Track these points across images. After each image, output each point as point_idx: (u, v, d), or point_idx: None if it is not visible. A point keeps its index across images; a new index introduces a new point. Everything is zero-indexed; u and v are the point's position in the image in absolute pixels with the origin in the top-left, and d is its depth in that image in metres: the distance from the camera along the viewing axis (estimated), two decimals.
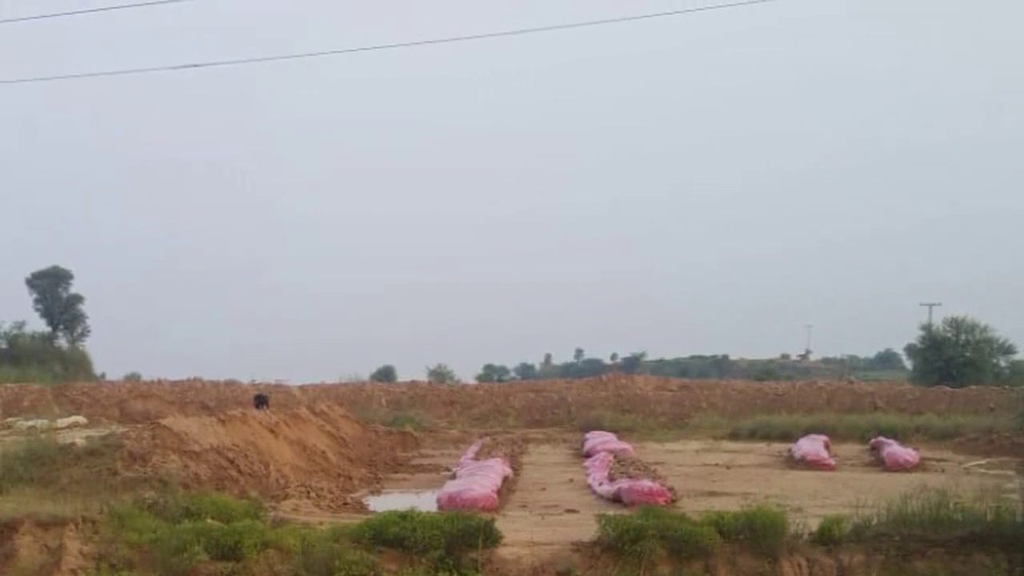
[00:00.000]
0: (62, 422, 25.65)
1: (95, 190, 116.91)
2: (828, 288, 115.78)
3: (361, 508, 15.56)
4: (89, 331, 64.79)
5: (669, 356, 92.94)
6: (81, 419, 28.77)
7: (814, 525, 11.17)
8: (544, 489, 18.19)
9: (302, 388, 39.63)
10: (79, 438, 17.17)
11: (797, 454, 23.05)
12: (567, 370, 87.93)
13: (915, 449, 23.76)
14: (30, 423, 24.14)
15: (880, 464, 22.44)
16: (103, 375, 54.70)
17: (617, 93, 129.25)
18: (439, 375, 54.75)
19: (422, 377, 51.26)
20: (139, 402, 35.03)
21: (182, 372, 43.47)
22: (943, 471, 20.62)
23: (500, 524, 11.21)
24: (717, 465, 22.13)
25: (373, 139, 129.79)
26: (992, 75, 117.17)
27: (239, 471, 16.23)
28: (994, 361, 48.31)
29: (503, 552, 10.68)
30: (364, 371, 50.45)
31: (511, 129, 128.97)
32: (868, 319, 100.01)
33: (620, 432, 29.16)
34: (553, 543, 11.04)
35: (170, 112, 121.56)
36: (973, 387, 38.86)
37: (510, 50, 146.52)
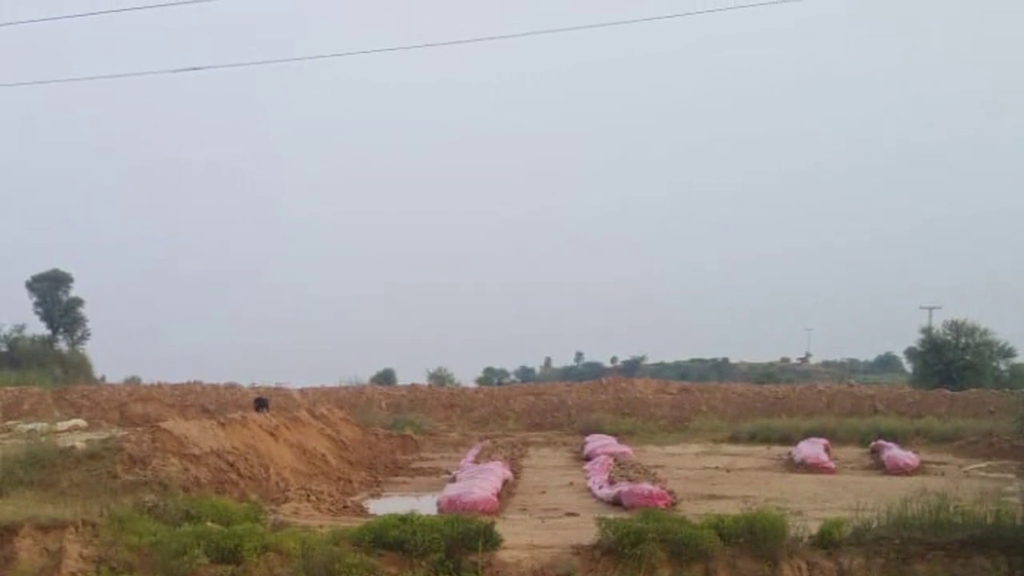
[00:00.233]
0: (62, 425, 25.70)
1: (95, 191, 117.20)
2: (828, 291, 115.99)
3: (361, 511, 15.56)
4: (89, 334, 64.98)
5: (669, 359, 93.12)
6: (81, 422, 28.81)
7: (814, 528, 11.17)
8: (544, 492, 18.19)
9: (302, 391, 39.64)
10: (79, 441, 17.18)
11: (797, 457, 23.04)
12: (567, 373, 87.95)
13: (915, 452, 23.77)
14: (30, 426, 24.18)
15: (880, 467, 22.44)
16: (103, 378, 54.78)
17: (621, 94, 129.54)
18: (439, 378, 54.78)
19: (422, 380, 51.31)
20: (139, 405, 35.04)
21: (182, 375, 43.67)
22: (943, 474, 20.62)
23: (500, 527, 11.20)
24: (717, 468, 22.12)
25: (376, 140, 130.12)
26: (992, 75, 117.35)
27: (239, 474, 16.24)
28: (994, 364, 48.28)
29: (503, 555, 10.68)
30: (364, 374, 50.60)
31: (521, 130, 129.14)
32: (868, 322, 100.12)
33: (620, 435, 29.15)
34: (553, 546, 11.04)
35: (170, 113, 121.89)
36: (973, 390, 38.85)
37: (518, 52, 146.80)
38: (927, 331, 49.81)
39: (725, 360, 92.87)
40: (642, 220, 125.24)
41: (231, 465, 16.36)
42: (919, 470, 21.40)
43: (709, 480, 19.74)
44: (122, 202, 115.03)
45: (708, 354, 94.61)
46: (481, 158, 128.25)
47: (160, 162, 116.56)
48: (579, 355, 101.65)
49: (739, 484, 18.97)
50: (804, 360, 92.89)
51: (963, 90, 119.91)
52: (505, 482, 18.31)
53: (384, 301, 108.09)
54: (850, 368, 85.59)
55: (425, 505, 15.03)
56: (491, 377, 74.69)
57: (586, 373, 79.89)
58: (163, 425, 16.76)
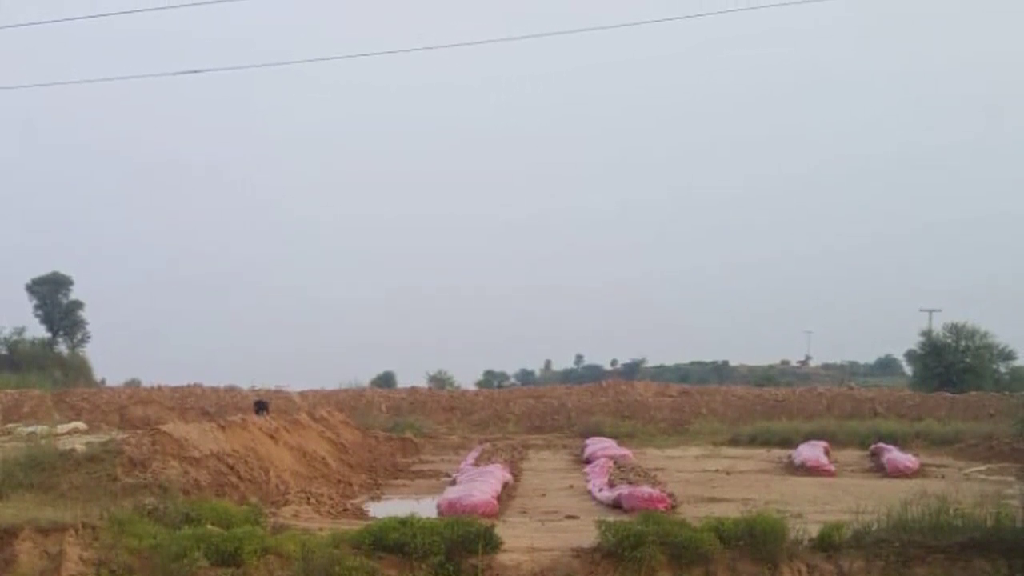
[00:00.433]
0: (62, 428, 25.70)
1: (95, 194, 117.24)
2: (828, 293, 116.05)
3: (361, 514, 15.56)
4: (89, 337, 64.92)
5: (669, 362, 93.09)
6: (81, 425, 28.82)
7: (814, 531, 11.17)
8: (544, 495, 18.20)
9: (302, 394, 39.62)
10: (79, 444, 17.18)
11: (797, 460, 23.04)
12: (567, 376, 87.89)
13: (915, 455, 23.78)
14: (30, 429, 24.19)
15: (880, 470, 22.44)
16: (103, 381, 54.74)
17: (621, 97, 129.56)
18: (439, 381, 54.78)
19: (422, 383, 51.31)
20: (139, 408, 35.05)
21: (182, 378, 43.59)
22: (943, 477, 20.63)
23: (500, 530, 11.20)
24: (717, 471, 22.12)
25: (376, 143, 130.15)
26: (993, 79, 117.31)
27: (239, 477, 16.24)
28: (994, 367, 48.29)
29: (503, 558, 10.68)
30: (364, 377, 50.55)
31: (521, 133, 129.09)
32: (868, 325, 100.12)
33: (620, 438, 29.13)
34: (553, 549, 11.04)
35: (170, 116, 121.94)
36: (973, 393, 38.85)
37: (518, 55, 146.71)
38: (927, 334, 49.83)
39: (725, 363, 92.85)
40: (642, 223, 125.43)
41: (231, 468, 16.36)
42: (919, 473, 21.41)
43: (709, 483, 19.74)
44: (122, 205, 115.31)
45: (708, 357, 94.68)
46: (481, 161, 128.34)
47: (160, 165, 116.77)
48: (579, 358, 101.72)
49: (739, 487, 18.97)
50: (804, 363, 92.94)
51: (964, 94, 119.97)
52: (505, 485, 18.31)
53: (384, 304, 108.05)
54: (850, 371, 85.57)
55: (425, 508, 15.01)
56: (491, 380, 74.64)
57: (586, 376, 79.87)
58: (163, 428, 16.77)
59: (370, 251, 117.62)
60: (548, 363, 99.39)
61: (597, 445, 25.65)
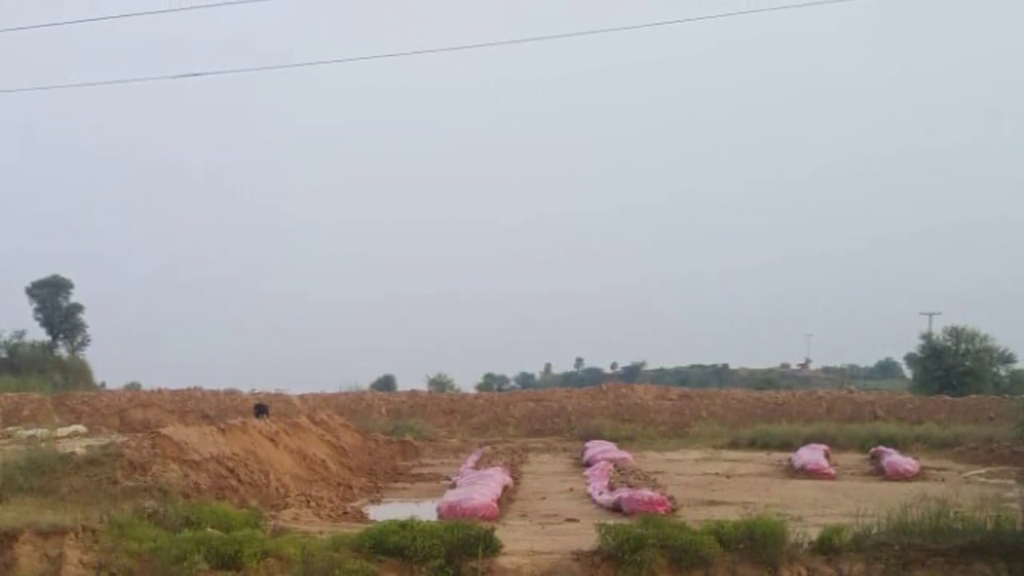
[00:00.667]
0: (62, 431, 25.61)
1: (95, 198, 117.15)
2: (828, 297, 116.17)
3: (361, 517, 15.56)
4: (89, 340, 64.88)
5: (669, 365, 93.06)
6: (81, 428, 28.76)
7: (814, 534, 11.17)
8: (544, 498, 18.19)
9: (302, 397, 39.61)
10: (79, 447, 17.15)
11: (797, 463, 23.04)
12: (567, 379, 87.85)
13: (915, 458, 23.77)
14: (30, 432, 24.12)
15: (880, 473, 22.44)
16: (103, 384, 54.69)
17: (620, 101, 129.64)
18: (439, 384, 54.72)
19: (422, 386, 51.24)
20: (139, 411, 35.05)
21: (182, 381, 43.51)
22: (943, 480, 20.63)
23: (500, 533, 11.21)
24: (717, 474, 22.12)
25: (376, 147, 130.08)
26: (992, 82, 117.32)
27: (239, 480, 16.23)
28: (994, 370, 48.32)
29: (503, 561, 10.68)
30: (364, 380, 50.49)
31: (520, 137, 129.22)
32: (868, 328, 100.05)
33: (620, 441, 29.12)
34: (553, 552, 11.04)
35: (170, 120, 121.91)
36: (973, 396, 38.83)
37: (517, 59, 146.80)
38: (927, 337, 49.90)
39: (725, 366, 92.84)
40: (641, 228, 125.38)
41: (231, 471, 16.35)
42: (919, 476, 21.41)
43: (709, 486, 19.74)
44: (122, 209, 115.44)
45: (708, 360, 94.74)
46: (480, 166, 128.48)
47: (160, 169, 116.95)
48: (579, 361, 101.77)
49: (739, 490, 18.98)
50: (804, 366, 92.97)
51: (963, 97, 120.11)
52: (505, 488, 18.31)
53: (384, 309, 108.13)
54: (850, 374, 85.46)
55: (425, 511, 15.00)
56: (491, 383, 74.61)
57: (586, 379, 79.84)
58: (163, 431, 16.74)
59: (370, 255, 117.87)
60: (548, 366, 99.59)
61: (597, 448, 25.65)
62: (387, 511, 16.14)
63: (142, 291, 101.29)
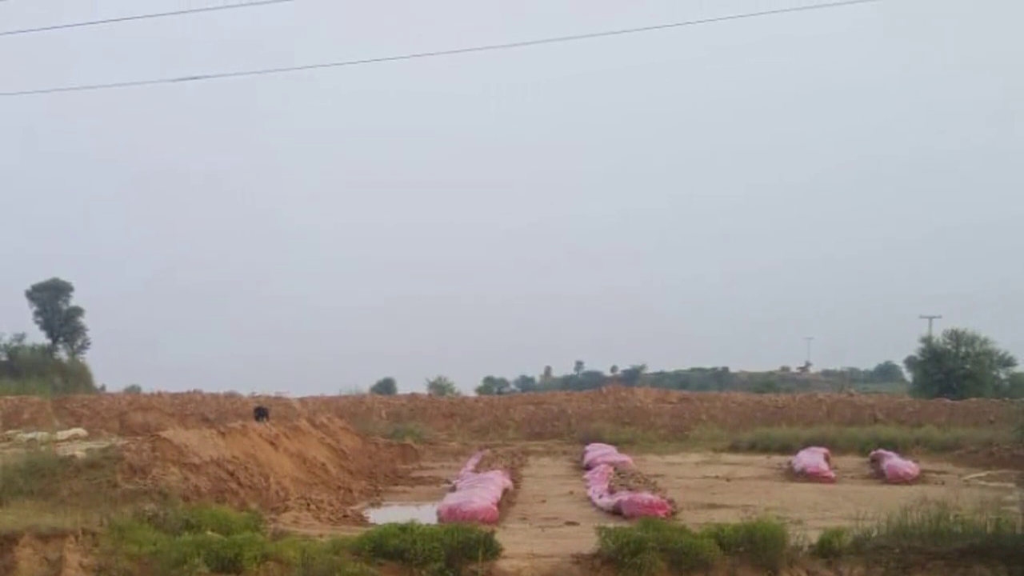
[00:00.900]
0: (62, 434, 25.61)
1: (95, 201, 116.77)
2: (828, 300, 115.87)
3: (361, 520, 15.56)
4: (89, 343, 64.89)
5: (669, 368, 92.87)
6: (81, 431, 28.75)
7: (814, 537, 11.18)
8: (544, 501, 18.19)
9: (302, 400, 39.62)
10: (79, 450, 17.15)
11: (797, 466, 23.05)
12: (567, 382, 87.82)
13: (915, 461, 23.78)
14: (30, 435, 24.12)
15: (880, 476, 22.45)
16: (103, 387, 54.68)
17: (622, 105, 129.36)
18: (439, 387, 54.69)
19: (422, 389, 51.25)
20: (139, 414, 35.02)
21: (182, 384, 43.48)
22: (943, 483, 20.63)
23: (500, 536, 11.20)
24: (717, 477, 22.13)
25: (376, 151, 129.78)
26: (1003, 83, 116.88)
27: (239, 483, 16.23)
28: (994, 373, 48.29)
29: (503, 564, 10.68)
30: (364, 383, 50.52)
31: (521, 141, 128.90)
32: (868, 331, 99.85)
33: (620, 444, 29.15)
34: (553, 555, 11.04)
35: (170, 123, 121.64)
36: (973, 399, 38.83)
37: (518, 62, 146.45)
38: (927, 340, 49.86)
39: (725, 369, 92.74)
40: (643, 232, 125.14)
41: (231, 474, 16.35)
42: (919, 479, 21.41)
43: (709, 489, 19.74)
44: (122, 212, 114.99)
45: (708, 363, 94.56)
46: (481, 169, 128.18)
47: (160, 172, 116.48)
48: (579, 364, 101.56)
49: (739, 493, 18.98)
50: (804, 369, 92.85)
51: (974, 98, 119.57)
52: (505, 491, 18.31)
53: (384, 312, 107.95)
54: (850, 377, 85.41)
55: (425, 514, 15.01)
56: (491, 386, 74.50)
57: (586, 382, 79.75)
58: (163, 434, 16.75)
59: (370, 259, 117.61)
60: (548, 369, 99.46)
61: (597, 451, 25.66)
62: (387, 514, 16.14)
63: (142, 294, 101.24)
